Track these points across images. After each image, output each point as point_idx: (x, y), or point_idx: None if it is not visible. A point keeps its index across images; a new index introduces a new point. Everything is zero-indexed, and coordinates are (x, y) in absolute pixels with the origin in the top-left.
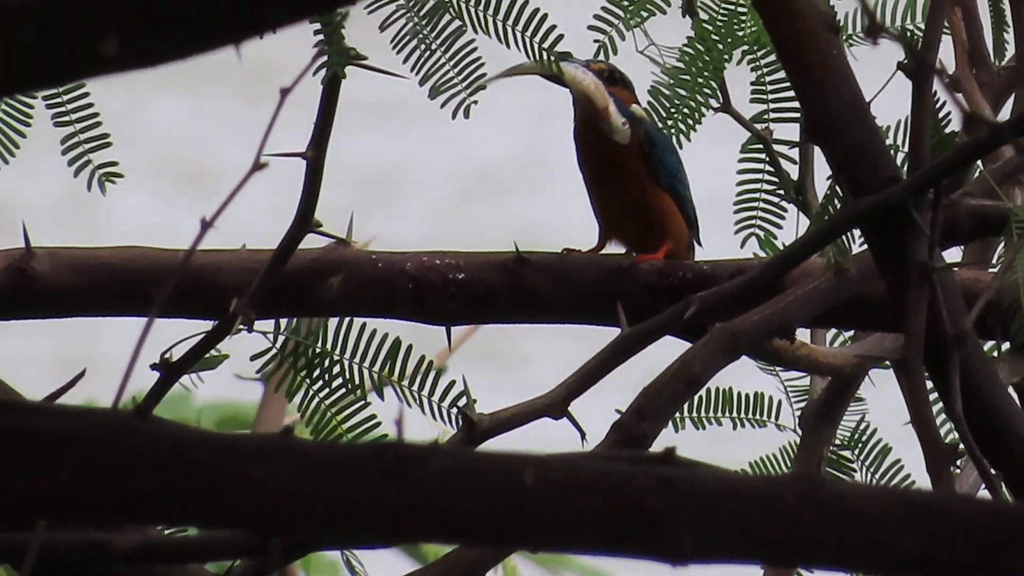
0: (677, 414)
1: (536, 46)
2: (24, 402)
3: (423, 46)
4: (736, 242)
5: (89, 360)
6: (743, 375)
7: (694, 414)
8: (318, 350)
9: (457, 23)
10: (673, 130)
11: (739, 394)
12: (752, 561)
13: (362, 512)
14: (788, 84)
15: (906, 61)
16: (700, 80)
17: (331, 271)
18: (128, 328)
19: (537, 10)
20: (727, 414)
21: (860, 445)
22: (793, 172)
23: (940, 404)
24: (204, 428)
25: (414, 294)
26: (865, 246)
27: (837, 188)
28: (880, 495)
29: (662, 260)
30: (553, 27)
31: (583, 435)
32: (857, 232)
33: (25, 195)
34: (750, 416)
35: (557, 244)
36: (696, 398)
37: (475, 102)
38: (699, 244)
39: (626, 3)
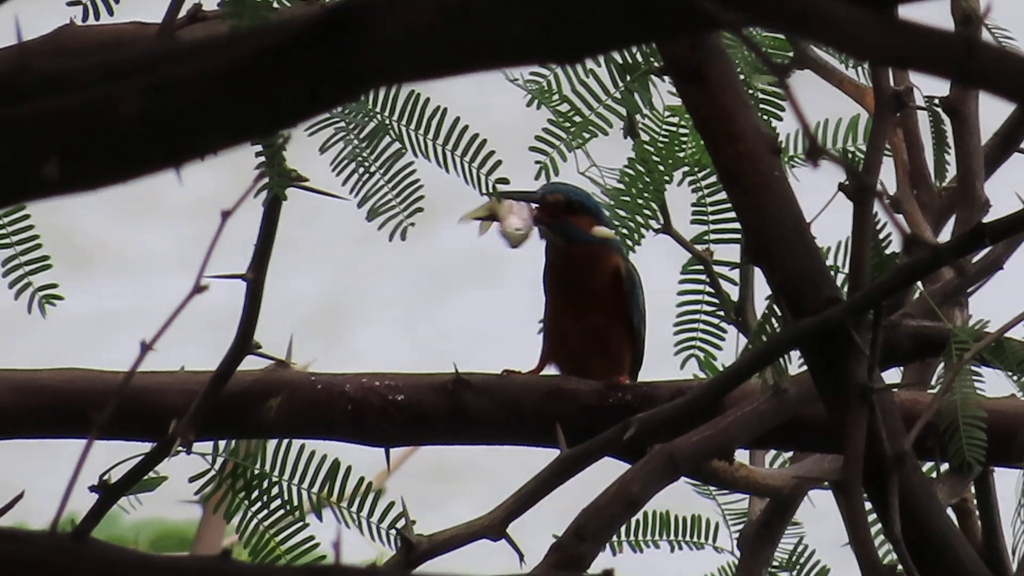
0: (615, 536)
1: (475, 171)
2: None
3: (362, 168)
4: (676, 363)
5: (25, 483)
6: (681, 498)
7: (632, 537)
8: (257, 471)
9: (396, 146)
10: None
11: (677, 517)
12: None
13: None
14: (729, 205)
15: (847, 182)
16: (641, 201)
17: (271, 393)
18: (64, 450)
19: (476, 135)
20: (665, 536)
21: (799, 567)
22: (733, 293)
23: (879, 525)
24: (140, 548)
25: (353, 416)
26: (804, 367)
27: (775, 308)
28: None
29: (620, 383)
30: (492, 152)
31: (521, 557)
32: (796, 353)
33: None
34: (688, 538)
35: None
36: (634, 520)
37: (412, 224)
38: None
39: (568, 124)
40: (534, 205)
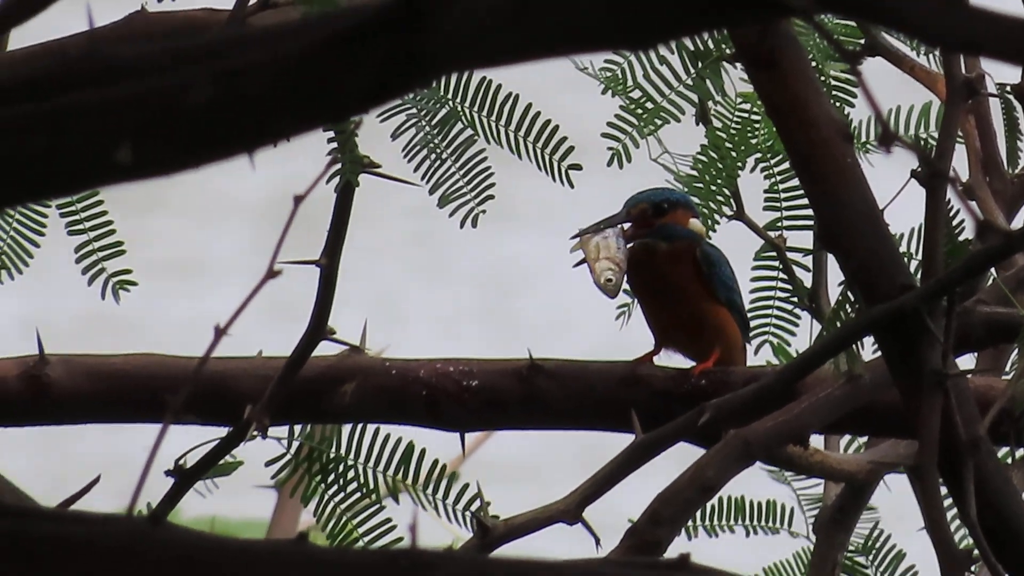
0: (691, 521)
1: (547, 157)
2: (38, 508)
3: (433, 155)
4: (750, 349)
5: (103, 466)
6: (756, 483)
7: (707, 522)
8: (332, 455)
9: (468, 132)
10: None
11: (752, 502)
12: None
13: None
14: (802, 192)
15: (920, 169)
16: (714, 188)
17: (344, 378)
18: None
19: (548, 121)
20: (740, 521)
21: (874, 551)
22: (806, 279)
23: (954, 510)
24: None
25: (427, 401)
26: (878, 353)
27: (849, 295)
28: None
29: (711, 368)
30: (564, 139)
31: (597, 541)
32: (870, 339)
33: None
34: (763, 523)
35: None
36: (708, 506)
37: (483, 211)
38: (750, 344)
39: (640, 111)
40: (626, 225)
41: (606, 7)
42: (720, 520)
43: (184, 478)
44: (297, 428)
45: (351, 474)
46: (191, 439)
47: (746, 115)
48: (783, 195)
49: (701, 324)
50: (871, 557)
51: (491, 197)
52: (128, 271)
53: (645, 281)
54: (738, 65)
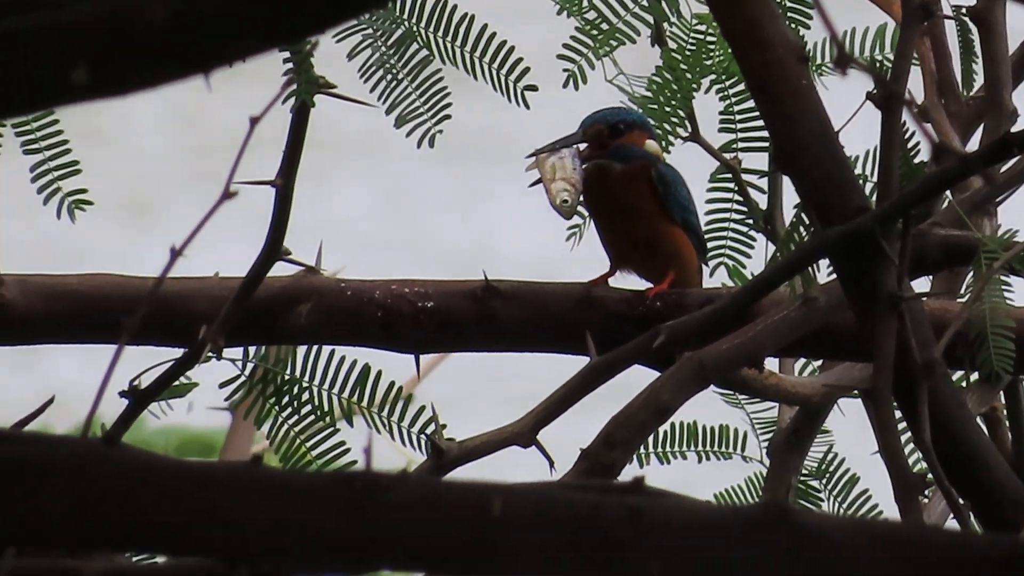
0: (643, 448)
1: (503, 77)
2: None
3: (389, 76)
4: (704, 271)
5: (56, 388)
6: (709, 408)
7: (660, 448)
8: (287, 377)
9: (424, 53)
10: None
11: (705, 427)
12: None
13: (329, 540)
14: (757, 113)
15: (875, 91)
16: (668, 109)
17: (300, 299)
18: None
19: (504, 42)
20: (693, 447)
21: (828, 475)
22: (762, 201)
23: (909, 434)
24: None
25: (383, 322)
26: (834, 275)
27: (803, 216)
28: (849, 526)
29: (667, 290)
30: (520, 59)
31: (551, 463)
32: (825, 261)
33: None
34: (716, 449)
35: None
36: (662, 431)
37: (440, 131)
38: (706, 265)
39: (595, 32)
40: (581, 146)
41: None
42: (673, 446)
43: (139, 399)
44: (252, 350)
45: (305, 396)
46: (147, 360)
47: (701, 36)
48: (738, 117)
49: (656, 245)
50: (825, 481)
51: (448, 117)
52: (84, 190)
53: (600, 202)
54: None
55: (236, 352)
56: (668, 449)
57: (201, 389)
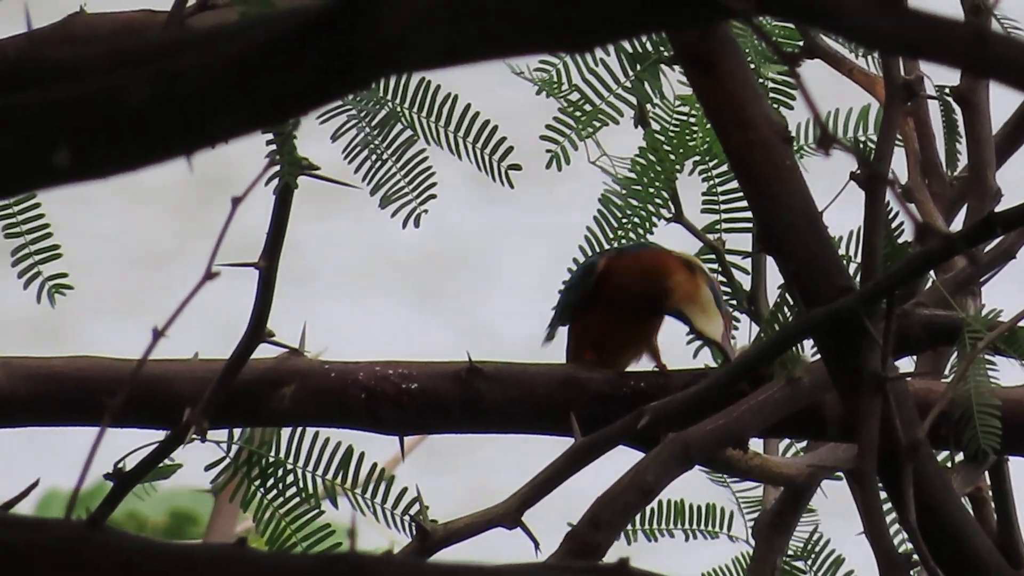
0: (630, 526)
1: (487, 157)
2: None
3: (374, 156)
4: (689, 352)
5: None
6: (695, 487)
7: (646, 526)
8: (271, 459)
9: (408, 133)
10: (624, 240)
11: (691, 505)
12: None
13: None
14: (740, 194)
15: (859, 172)
16: (652, 190)
17: (284, 381)
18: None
19: (487, 122)
20: (679, 525)
21: (813, 555)
22: (746, 282)
23: (894, 514)
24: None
25: (367, 404)
26: (818, 356)
27: (788, 297)
28: None
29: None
30: (503, 139)
31: (537, 545)
32: (809, 342)
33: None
34: (702, 527)
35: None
36: (648, 510)
37: (425, 211)
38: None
39: (578, 113)
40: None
41: (544, 10)
42: (659, 524)
43: (123, 481)
44: (236, 432)
45: (290, 478)
46: (130, 442)
47: (684, 117)
48: (722, 198)
49: (650, 340)
50: (810, 561)
51: (433, 196)
52: (64, 275)
53: (624, 311)
54: (676, 67)
55: (221, 434)
56: (655, 527)
57: (186, 468)
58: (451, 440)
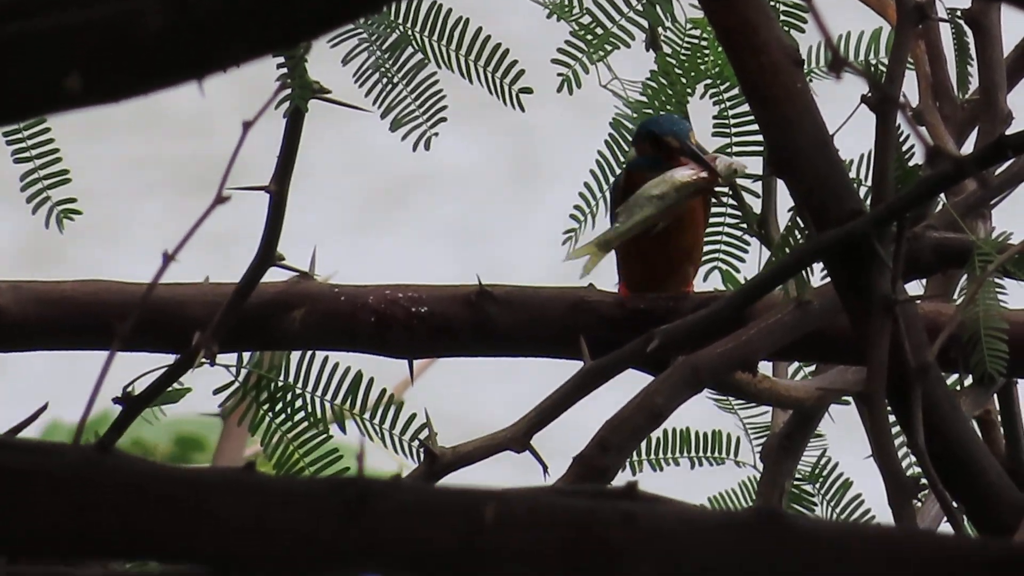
0: (635, 455)
1: (498, 81)
2: None
3: (385, 80)
4: (699, 274)
5: (50, 393)
6: (701, 414)
7: (652, 456)
8: (280, 383)
9: (419, 57)
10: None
11: (697, 432)
12: None
13: (322, 547)
14: (751, 118)
15: (870, 95)
16: (663, 114)
17: (294, 305)
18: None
19: (499, 45)
20: (685, 453)
21: (821, 479)
22: (756, 205)
23: (902, 437)
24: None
25: (377, 328)
26: (828, 279)
27: (798, 220)
28: (842, 530)
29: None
30: (515, 62)
31: (545, 468)
32: (819, 265)
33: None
34: (709, 454)
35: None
36: (654, 438)
37: (435, 134)
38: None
39: (590, 37)
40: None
41: None
42: (665, 452)
43: (132, 405)
44: (246, 356)
45: (299, 403)
46: (140, 366)
47: (696, 41)
48: (733, 121)
49: (694, 251)
50: (818, 485)
51: (443, 120)
52: (73, 199)
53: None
54: None
55: (230, 358)
56: (661, 455)
57: (194, 394)
58: None
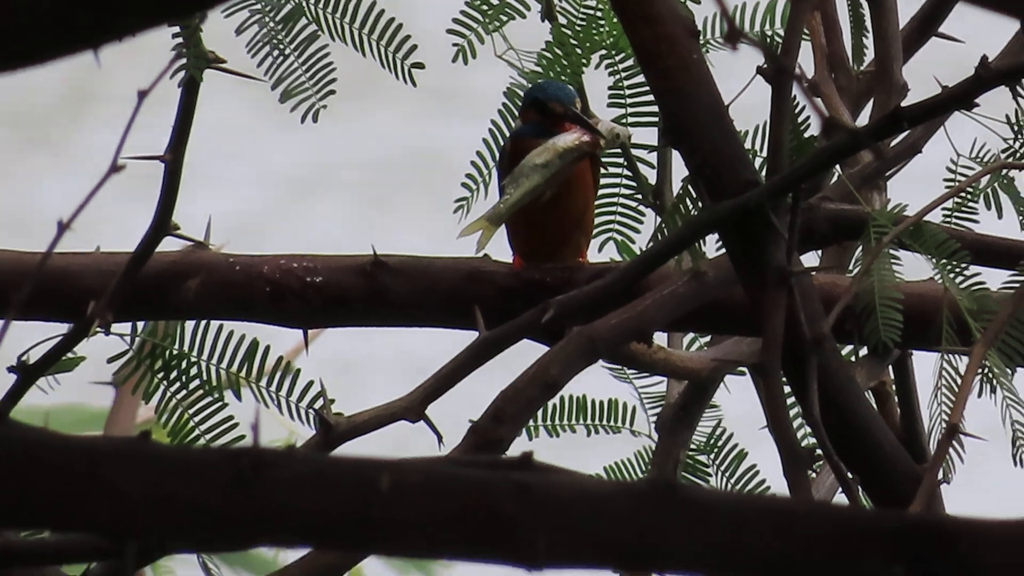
0: (532, 421)
1: (391, 55)
2: None
3: (276, 51)
4: (594, 246)
5: None
6: (598, 382)
7: (549, 421)
8: (175, 352)
9: (312, 28)
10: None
11: (594, 401)
12: (607, 566)
13: (216, 516)
14: (647, 88)
15: (765, 66)
16: (549, 80)
17: (189, 274)
18: None
19: (392, 19)
20: (581, 421)
21: (716, 450)
22: (651, 176)
23: (797, 408)
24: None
25: (271, 297)
26: (723, 250)
27: (691, 190)
28: (736, 501)
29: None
30: (408, 37)
31: (440, 438)
32: (715, 236)
33: None
34: (605, 423)
35: None
36: (551, 405)
37: (324, 107)
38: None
39: (485, 7)
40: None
41: None
42: (562, 420)
43: (27, 374)
44: (140, 325)
45: (194, 371)
46: (34, 335)
47: (591, 11)
48: (628, 92)
49: (584, 217)
50: (713, 456)
51: (332, 92)
52: None
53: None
54: None
55: (125, 327)
56: (557, 422)
57: (89, 364)
58: None
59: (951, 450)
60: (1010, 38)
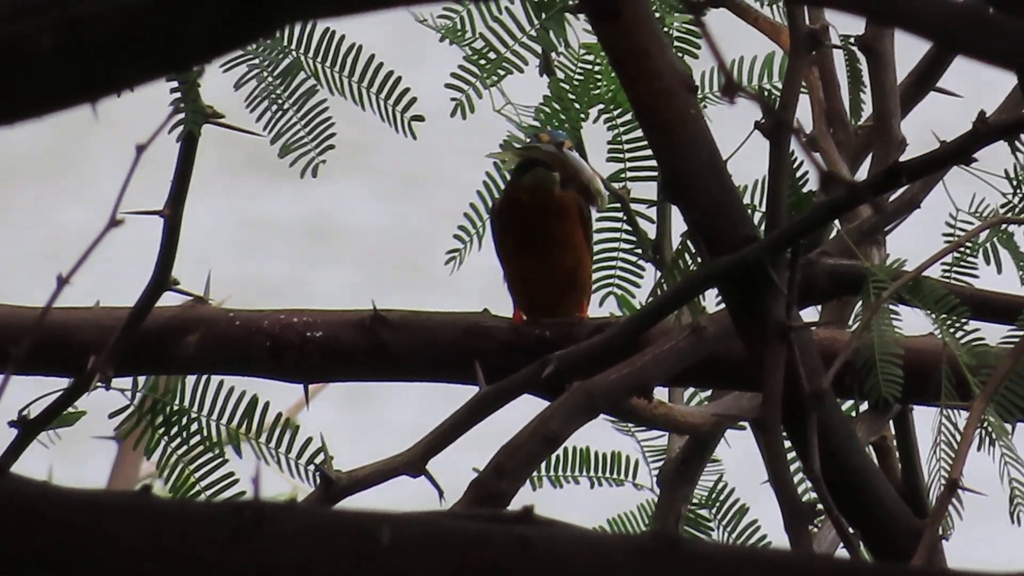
0: (536, 472)
1: (390, 108)
2: None
3: (275, 106)
4: (595, 301)
5: None
6: (600, 435)
7: (552, 472)
8: (176, 407)
9: (311, 83)
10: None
11: (597, 453)
12: None
13: (217, 569)
14: (645, 143)
15: (763, 120)
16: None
17: (188, 329)
18: None
19: (391, 72)
20: (585, 472)
21: (718, 504)
22: (651, 231)
23: (798, 463)
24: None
25: (271, 352)
26: (722, 304)
27: (690, 245)
28: (739, 554)
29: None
30: (407, 89)
31: (441, 493)
32: (715, 291)
33: None
34: (608, 475)
35: None
36: (554, 457)
37: (323, 161)
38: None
39: (483, 62)
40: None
41: None
42: (565, 471)
43: (28, 429)
44: (141, 380)
45: (194, 426)
46: (34, 390)
47: (589, 66)
48: (626, 146)
49: (576, 273)
50: (715, 510)
51: (331, 147)
52: None
53: (525, 232)
54: (581, 16)
55: (125, 382)
56: (561, 473)
57: (89, 418)
58: None
59: (951, 505)
60: (1008, 93)
